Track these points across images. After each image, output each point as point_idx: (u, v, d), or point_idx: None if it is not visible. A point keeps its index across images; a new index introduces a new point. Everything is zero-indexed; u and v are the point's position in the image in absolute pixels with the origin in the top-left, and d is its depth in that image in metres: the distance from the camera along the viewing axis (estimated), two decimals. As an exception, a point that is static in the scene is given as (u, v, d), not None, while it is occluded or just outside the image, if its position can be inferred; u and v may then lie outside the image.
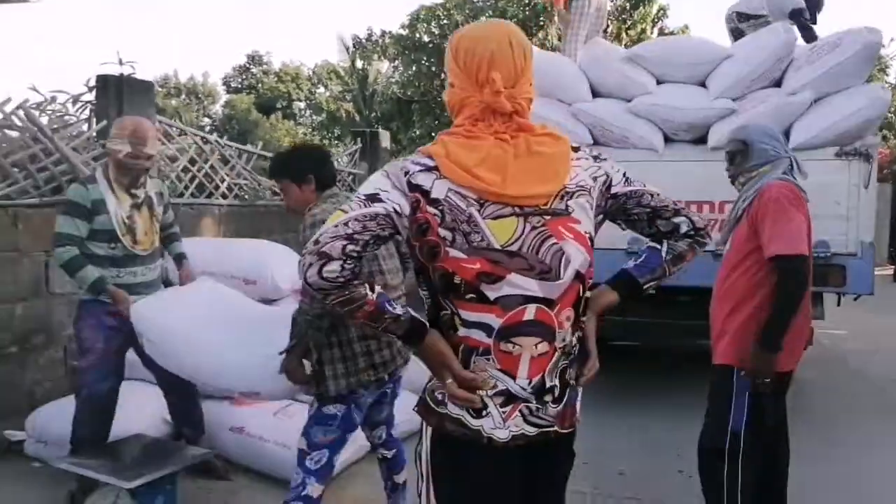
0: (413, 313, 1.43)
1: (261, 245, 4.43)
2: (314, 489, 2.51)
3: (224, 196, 5.57)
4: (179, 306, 2.97)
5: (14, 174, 3.82)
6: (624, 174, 1.55)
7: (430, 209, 1.38)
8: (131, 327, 3.03)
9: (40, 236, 3.79)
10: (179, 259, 3.53)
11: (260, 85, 31.22)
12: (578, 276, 1.44)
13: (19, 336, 3.84)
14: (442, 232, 1.38)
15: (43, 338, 3.97)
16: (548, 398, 1.45)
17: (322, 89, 29.89)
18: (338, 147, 9.07)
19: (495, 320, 1.39)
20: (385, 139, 8.17)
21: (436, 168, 1.40)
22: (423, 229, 1.39)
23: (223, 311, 3.02)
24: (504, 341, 1.40)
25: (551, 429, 1.46)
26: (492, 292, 1.38)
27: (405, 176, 1.40)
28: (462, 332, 1.42)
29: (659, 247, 1.61)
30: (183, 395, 3.30)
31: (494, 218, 1.39)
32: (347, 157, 7.82)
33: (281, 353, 2.50)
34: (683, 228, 1.58)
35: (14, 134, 3.98)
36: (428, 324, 1.45)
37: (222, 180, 5.58)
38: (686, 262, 1.61)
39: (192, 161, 5.34)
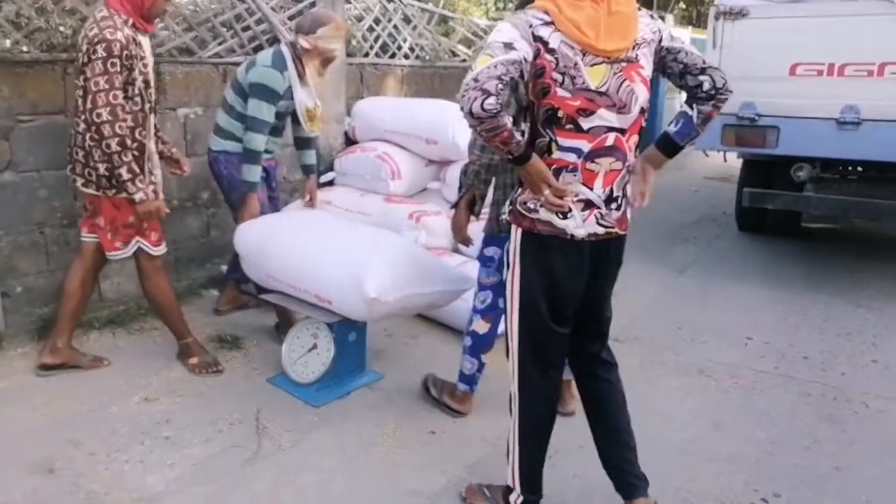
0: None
1: (444, 106, 4.40)
2: (479, 325, 2.75)
3: (406, 56, 5.61)
4: (279, 223, 3.17)
5: (223, 33, 4.09)
6: (670, 33, 1.88)
7: (548, 56, 1.74)
8: (266, 176, 3.43)
9: (246, 91, 4.06)
10: (308, 170, 3.71)
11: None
12: (642, 111, 1.86)
13: (232, 184, 4.23)
14: (554, 75, 1.75)
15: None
16: (612, 206, 1.89)
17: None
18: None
19: (586, 145, 1.81)
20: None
21: (551, 23, 1.74)
22: (540, 73, 1.75)
23: (322, 225, 3.14)
24: (590, 161, 1.83)
25: (613, 230, 1.91)
26: (586, 123, 1.79)
27: (530, 28, 1.73)
28: (556, 155, 1.83)
29: (691, 112, 1.87)
30: None
31: (591, 66, 1.76)
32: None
33: (451, 208, 2.77)
34: (706, 86, 1.83)
35: (221, -6, 4.22)
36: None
37: (405, 40, 5.61)
38: (712, 120, 1.88)
39: (377, 20, 5.39)
